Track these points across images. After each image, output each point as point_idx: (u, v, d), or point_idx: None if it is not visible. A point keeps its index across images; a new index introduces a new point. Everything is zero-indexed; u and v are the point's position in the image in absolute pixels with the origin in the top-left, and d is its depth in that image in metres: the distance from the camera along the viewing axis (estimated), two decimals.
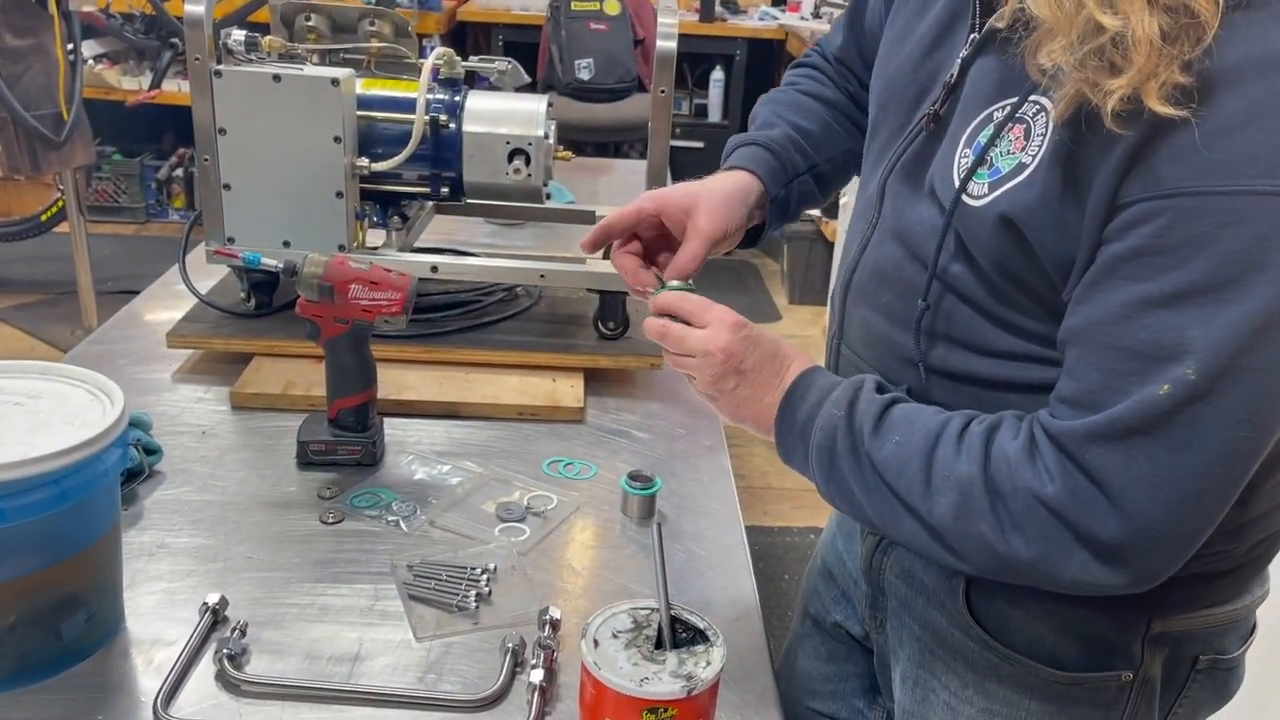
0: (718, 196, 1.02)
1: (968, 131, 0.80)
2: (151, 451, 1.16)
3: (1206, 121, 0.65)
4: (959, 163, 0.80)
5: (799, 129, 1.11)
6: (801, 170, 1.10)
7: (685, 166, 5.00)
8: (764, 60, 5.12)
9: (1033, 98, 0.75)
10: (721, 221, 1.01)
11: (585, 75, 4.50)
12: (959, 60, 0.83)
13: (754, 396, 0.89)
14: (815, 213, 4.48)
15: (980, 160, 0.77)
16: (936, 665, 0.93)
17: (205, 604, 0.93)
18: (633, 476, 1.14)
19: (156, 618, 0.94)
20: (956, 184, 0.79)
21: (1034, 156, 0.74)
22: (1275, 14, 0.65)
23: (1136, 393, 0.68)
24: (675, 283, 0.98)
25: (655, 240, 1.05)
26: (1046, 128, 0.73)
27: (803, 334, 4.20)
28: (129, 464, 1.08)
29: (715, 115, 5.06)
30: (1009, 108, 0.77)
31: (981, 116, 0.79)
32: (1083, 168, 0.71)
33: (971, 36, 0.83)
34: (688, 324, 0.91)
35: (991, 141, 0.77)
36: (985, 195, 0.77)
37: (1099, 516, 0.70)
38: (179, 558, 1.02)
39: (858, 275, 0.93)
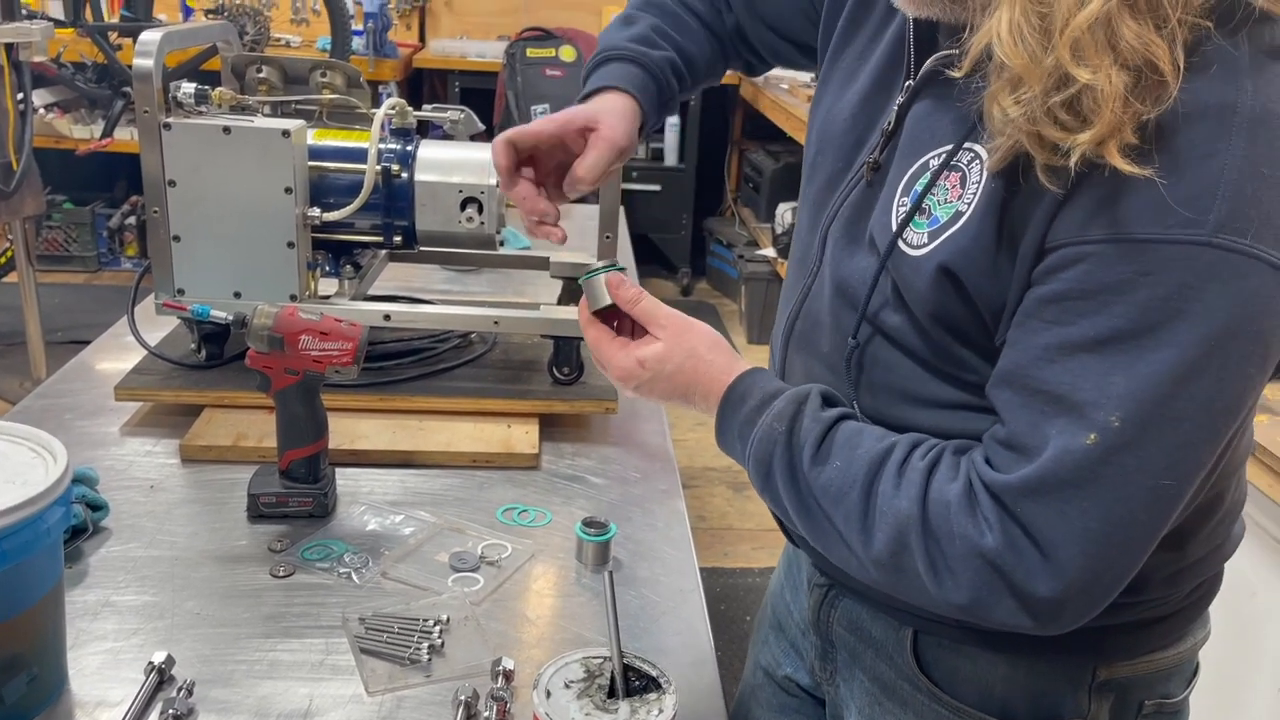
0: (614, 111, 1.02)
1: (905, 179, 0.80)
2: (97, 508, 1.14)
3: (1127, 170, 0.66)
4: (896, 210, 0.80)
5: (683, 53, 1.10)
6: (677, 94, 1.10)
7: (643, 209, 5.06)
8: (719, 104, 5.19)
9: (967, 145, 0.76)
10: (622, 133, 1.01)
11: None
12: (895, 107, 0.84)
13: (690, 384, 0.88)
14: (771, 253, 4.54)
15: (917, 208, 0.78)
16: (887, 718, 0.94)
17: (151, 663, 0.91)
18: (587, 523, 1.13)
19: (101, 678, 0.92)
20: (893, 230, 0.79)
21: (969, 204, 0.74)
22: (1202, 68, 0.66)
23: (1064, 440, 0.69)
24: (600, 265, 0.95)
25: (558, 169, 1.04)
26: (981, 174, 0.74)
27: None
28: (72, 522, 1.07)
29: (671, 158, 5.11)
30: (944, 155, 0.77)
31: (918, 164, 0.80)
32: (1017, 213, 0.72)
33: (907, 83, 0.84)
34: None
35: (928, 189, 0.78)
36: (925, 245, 0.77)
37: (1034, 573, 0.70)
38: (125, 616, 1.01)
39: (799, 324, 0.93)
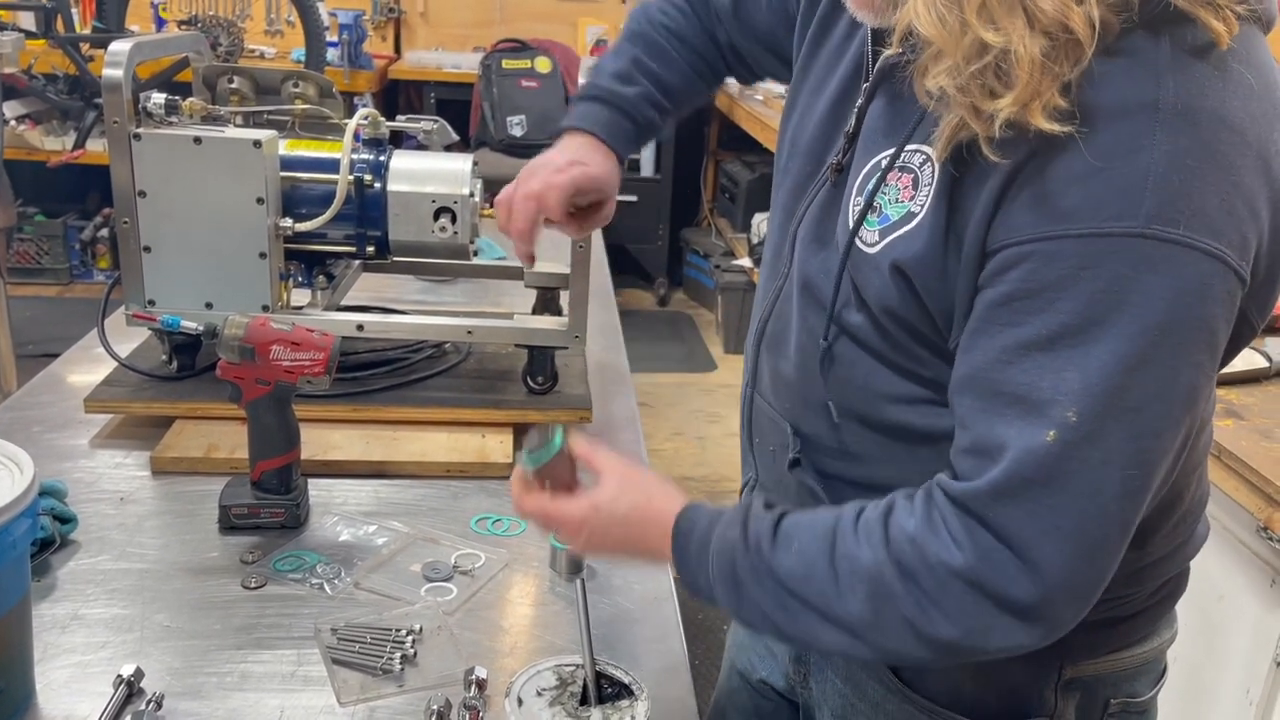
0: (579, 151, 1.10)
1: (859, 179, 0.82)
2: (66, 520, 1.13)
3: (1059, 169, 0.68)
4: (852, 209, 0.82)
5: (662, 85, 1.14)
6: (655, 123, 1.15)
7: (620, 220, 5.05)
8: (694, 115, 5.19)
9: (915, 146, 0.77)
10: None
11: (518, 131, 4.54)
12: (855, 109, 0.86)
13: (643, 547, 0.87)
14: (748, 263, 4.56)
15: (869, 206, 0.80)
16: (859, 718, 0.94)
17: (120, 676, 0.90)
18: None
19: (69, 692, 0.91)
20: (850, 228, 0.81)
21: (922, 206, 0.76)
22: (1124, 65, 0.68)
23: (1026, 440, 0.69)
24: (537, 445, 0.91)
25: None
26: (933, 177, 0.75)
27: (738, 383, 4.23)
28: (39, 534, 1.07)
29: (648, 169, 5.12)
30: (891, 155, 0.79)
31: (871, 164, 0.81)
32: (960, 215, 0.73)
33: (864, 85, 0.85)
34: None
35: (878, 187, 0.79)
36: (877, 243, 0.79)
37: (1013, 578, 0.70)
38: (93, 629, 1.00)
39: (770, 326, 0.94)
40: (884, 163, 0.79)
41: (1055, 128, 0.66)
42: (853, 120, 0.86)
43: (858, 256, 0.80)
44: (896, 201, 0.78)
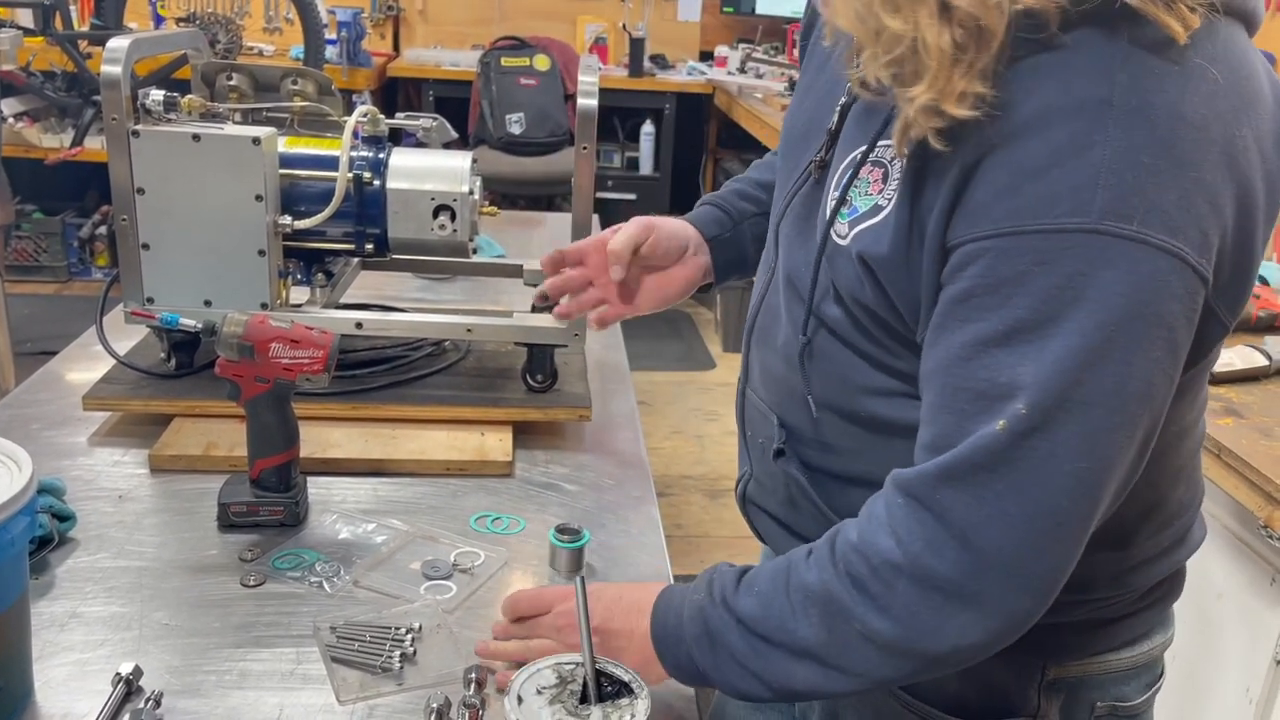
0: (668, 220, 1.20)
1: (837, 174, 0.83)
2: (64, 518, 1.13)
3: (1014, 165, 0.68)
4: (828, 202, 0.83)
5: (755, 182, 1.22)
6: (750, 214, 1.20)
7: (619, 218, 5.05)
8: (693, 114, 5.21)
9: (887, 141, 0.77)
10: (653, 222, 1.18)
11: (516, 129, 4.54)
12: (839, 107, 0.87)
13: (629, 644, 0.88)
14: None
15: (843, 200, 0.81)
16: (848, 713, 0.94)
17: (118, 674, 0.90)
18: (560, 530, 1.13)
19: (67, 690, 0.91)
20: (825, 221, 0.82)
21: (889, 200, 0.76)
22: (1077, 61, 0.68)
23: (979, 431, 0.70)
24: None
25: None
26: (900, 171, 0.76)
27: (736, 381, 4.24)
28: (38, 532, 1.06)
29: (646, 168, 5.12)
30: (864, 149, 0.80)
31: (848, 159, 0.82)
32: (922, 209, 0.74)
33: (849, 84, 0.86)
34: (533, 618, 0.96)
35: (851, 181, 0.80)
36: (847, 234, 0.80)
37: (956, 564, 0.70)
38: (92, 627, 1.00)
39: (759, 319, 0.96)
40: (858, 157, 0.80)
41: (968, 113, 0.67)
42: (835, 117, 0.87)
43: (832, 249, 0.81)
44: (866, 194, 0.79)
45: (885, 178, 0.77)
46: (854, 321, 0.82)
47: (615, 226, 1.19)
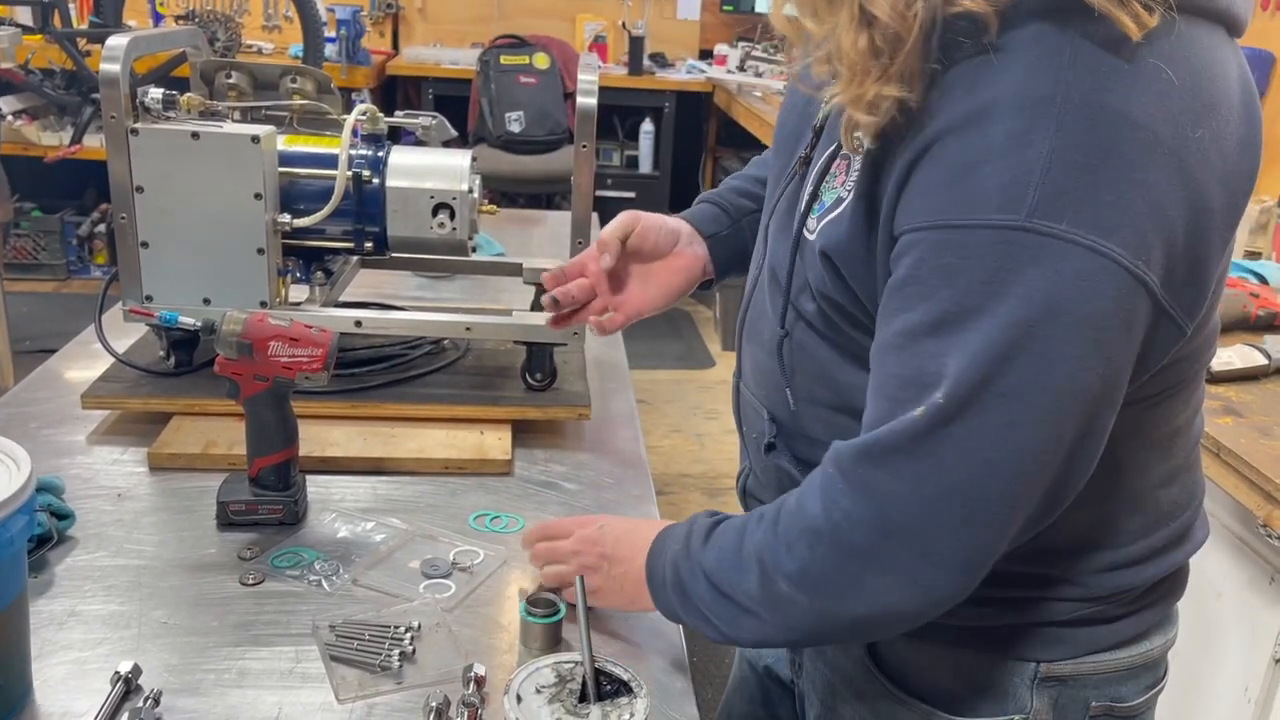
0: (658, 217, 1.19)
1: (815, 171, 0.84)
2: (63, 516, 1.13)
3: (953, 158, 0.68)
4: (804, 198, 0.84)
5: (753, 179, 1.21)
6: (748, 210, 1.19)
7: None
8: (693, 112, 5.21)
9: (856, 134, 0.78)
10: (636, 216, 1.17)
11: (516, 128, 4.54)
12: (824, 105, 0.87)
13: (626, 572, 0.94)
14: None
15: (815, 195, 0.82)
16: (844, 708, 0.95)
17: (117, 673, 0.90)
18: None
19: (66, 689, 0.91)
20: (799, 217, 0.83)
21: (850, 191, 0.78)
22: (1025, 58, 0.68)
23: (900, 415, 0.71)
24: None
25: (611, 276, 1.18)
26: (859, 163, 0.77)
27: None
28: (37, 530, 1.06)
29: (646, 166, 5.12)
30: (837, 144, 0.80)
31: (825, 156, 0.83)
32: (875, 200, 0.75)
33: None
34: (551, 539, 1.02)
35: (822, 176, 0.81)
36: (815, 229, 0.81)
37: (870, 532, 0.73)
38: (91, 625, 0.99)
39: (749, 314, 0.97)
40: (830, 151, 0.81)
41: (867, 119, 0.69)
42: (821, 115, 0.87)
43: (803, 244, 0.83)
44: (831, 188, 0.80)
45: (848, 169, 0.79)
46: (824, 316, 0.84)
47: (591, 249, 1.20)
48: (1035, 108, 0.67)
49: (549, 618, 0.97)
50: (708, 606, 0.84)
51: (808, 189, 0.83)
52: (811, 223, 0.82)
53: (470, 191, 1.40)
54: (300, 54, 4.15)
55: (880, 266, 0.75)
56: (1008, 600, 0.82)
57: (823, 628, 0.79)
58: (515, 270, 1.60)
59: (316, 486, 1.24)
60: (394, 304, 1.57)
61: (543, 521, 1.04)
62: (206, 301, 1.36)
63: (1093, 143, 0.66)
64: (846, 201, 0.77)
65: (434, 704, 0.88)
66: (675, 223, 1.19)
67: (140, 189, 1.32)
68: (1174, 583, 0.92)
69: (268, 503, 1.16)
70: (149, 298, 1.37)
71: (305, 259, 1.46)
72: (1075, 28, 0.67)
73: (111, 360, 1.43)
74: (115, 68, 1.28)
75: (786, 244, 0.87)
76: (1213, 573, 1.50)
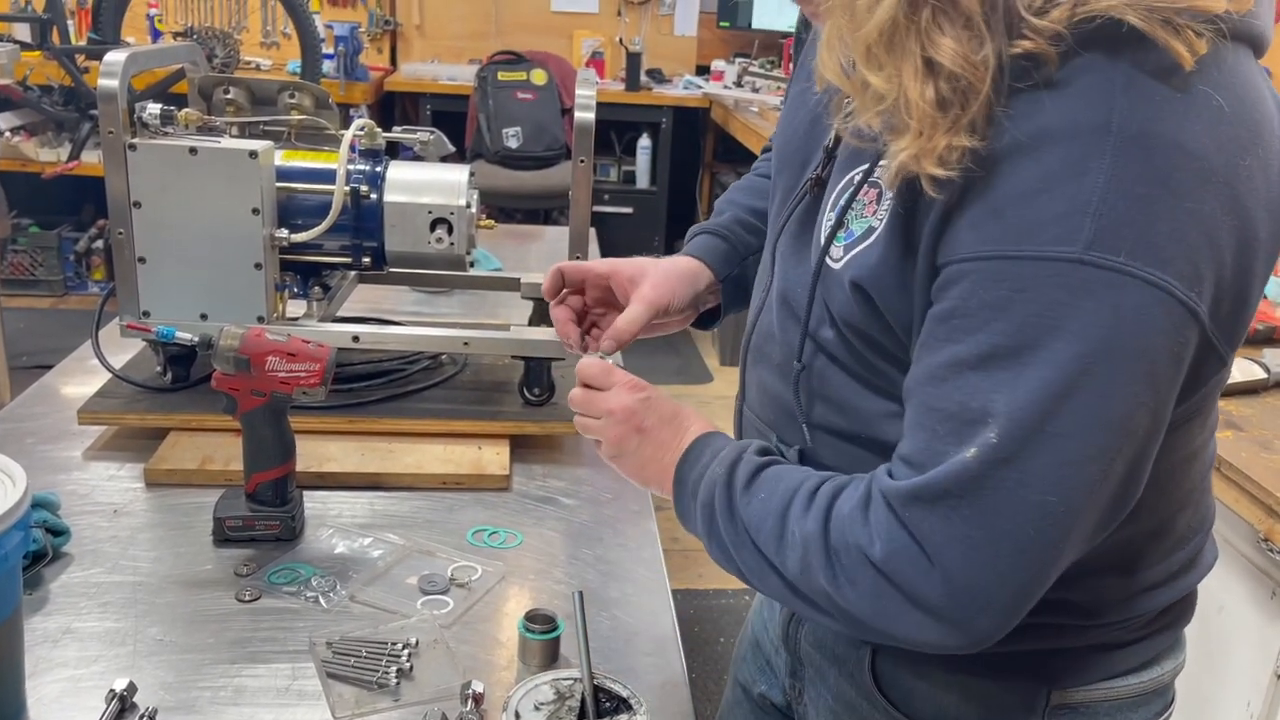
0: (665, 271, 1.09)
1: (833, 195, 0.82)
2: (59, 533, 1.12)
3: (1005, 188, 0.67)
4: (824, 225, 0.82)
5: (751, 210, 1.16)
6: (755, 248, 1.13)
7: (616, 232, 5.08)
8: (690, 127, 5.22)
9: (884, 162, 0.76)
10: (665, 294, 1.06)
11: (513, 143, 4.55)
12: (833, 125, 0.85)
13: (655, 456, 0.90)
14: None
15: (840, 223, 0.80)
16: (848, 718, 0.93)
17: (112, 691, 0.89)
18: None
19: (60, 707, 0.90)
20: (821, 245, 0.81)
21: (881, 220, 0.76)
22: (1076, 88, 0.66)
23: (951, 455, 0.69)
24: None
25: (599, 302, 1.11)
26: (893, 191, 0.75)
27: (733, 394, 4.23)
28: (32, 547, 1.06)
29: (643, 181, 5.13)
30: (864, 171, 0.79)
31: (845, 180, 0.81)
32: (915, 230, 0.73)
33: (846, 101, 0.85)
34: (594, 389, 0.94)
35: (849, 204, 0.79)
36: (841, 258, 0.79)
37: (920, 576, 0.71)
38: (86, 643, 0.99)
39: (755, 338, 0.95)
40: (857, 178, 0.79)
41: (941, 173, 0.67)
42: (832, 135, 0.86)
43: (826, 273, 0.81)
44: (860, 217, 0.78)
45: (879, 198, 0.77)
46: (847, 345, 0.81)
47: (611, 261, 1.10)
48: (1090, 136, 0.65)
49: (547, 634, 0.97)
50: (733, 545, 0.82)
51: (829, 215, 0.81)
52: (836, 251, 0.79)
53: (468, 206, 1.40)
54: (298, 70, 4.16)
55: (918, 297, 0.73)
56: (1020, 626, 0.81)
57: (848, 627, 0.77)
58: (513, 285, 1.60)
59: (314, 502, 1.24)
60: (392, 319, 1.57)
61: (589, 360, 0.96)
62: (204, 317, 1.36)
63: (1149, 172, 0.65)
64: (878, 231, 0.75)
65: None
66: (695, 287, 1.11)
67: (138, 204, 1.32)
68: (1184, 607, 0.91)
69: (264, 518, 1.16)
70: (146, 313, 1.36)
71: (303, 274, 1.45)
72: (1127, 57, 0.66)
73: (109, 376, 1.42)
74: (113, 84, 1.28)
75: (802, 269, 0.85)
76: (1214, 587, 1.49)
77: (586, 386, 0.95)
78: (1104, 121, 0.65)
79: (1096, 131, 0.65)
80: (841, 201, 0.80)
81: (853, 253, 0.77)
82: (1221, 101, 0.67)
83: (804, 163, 0.91)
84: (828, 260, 0.80)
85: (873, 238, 0.76)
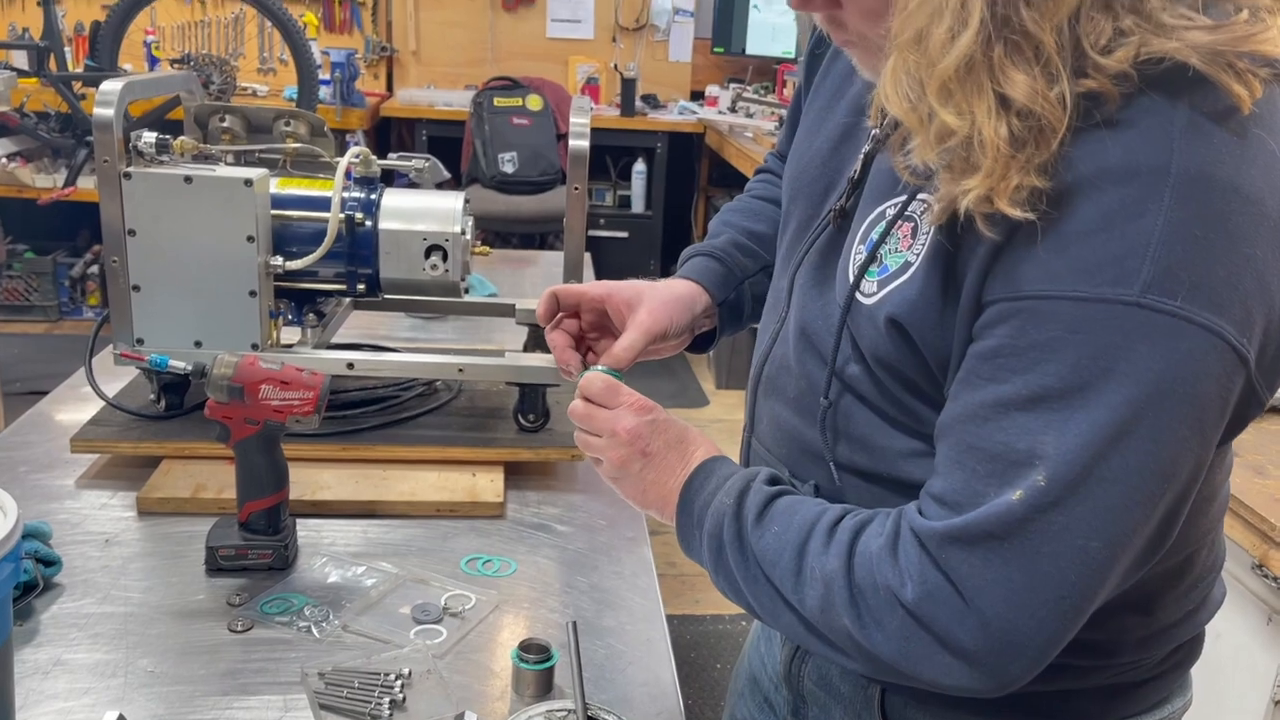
0: (662, 295, 1.06)
1: (863, 227, 0.80)
2: (50, 563, 1.11)
3: (1061, 226, 0.65)
4: (854, 259, 0.80)
5: (748, 232, 1.15)
6: (752, 271, 1.13)
7: (611, 256, 5.09)
8: (684, 152, 5.24)
9: (921, 195, 0.75)
10: (663, 319, 1.04)
11: (509, 168, 4.56)
12: (861, 155, 0.85)
13: (658, 480, 0.88)
14: None
15: (872, 257, 0.78)
16: None
17: None
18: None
19: None
20: (851, 280, 0.79)
21: (918, 255, 0.74)
22: (1136, 129, 0.66)
23: (993, 497, 0.68)
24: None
25: (594, 327, 1.09)
26: (930, 226, 0.74)
27: (730, 418, 4.23)
28: (22, 578, 1.05)
29: (639, 206, 5.15)
30: (899, 205, 0.77)
31: (876, 213, 0.80)
32: (959, 265, 0.71)
33: (873, 131, 0.84)
34: (600, 406, 0.92)
35: (882, 238, 0.77)
36: (875, 294, 0.77)
37: (955, 619, 0.69)
38: (76, 675, 0.98)
39: (767, 369, 0.93)
40: (889, 212, 0.78)
41: (1018, 214, 0.65)
42: (858, 166, 0.85)
43: (855, 308, 0.79)
44: (895, 251, 0.76)
45: (914, 232, 0.75)
46: (876, 382, 0.80)
47: (606, 284, 1.08)
48: (1148, 178, 0.64)
49: (542, 664, 0.96)
50: (742, 579, 0.80)
51: (858, 249, 0.80)
52: (869, 286, 0.78)
53: (462, 233, 1.41)
54: (295, 96, 4.17)
55: (958, 333, 0.72)
56: None
57: (868, 668, 0.75)
58: (508, 311, 1.60)
59: (307, 530, 1.23)
60: (386, 345, 1.57)
61: (595, 375, 0.94)
62: (198, 344, 1.36)
63: (1206, 216, 0.64)
64: (915, 266, 0.74)
65: None
66: (692, 311, 1.09)
67: (132, 232, 1.32)
68: (1194, 645, 0.90)
69: (257, 547, 1.15)
70: (140, 340, 1.36)
71: (297, 301, 1.46)
72: (1186, 99, 0.66)
73: (102, 403, 1.42)
74: (109, 112, 1.28)
75: (825, 302, 0.84)
76: (1216, 621, 1.48)
77: (589, 401, 0.93)
78: (1164, 164, 0.64)
79: (1156, 173, 0.64)
80: (874, 235, 0.78)
81: (888, 288, 0.76)
82: (1274, 145, 0.66)
83: (824, 191, 0.89)
84: (858, 295, 0.78)
85: (909, 272, 0.74)
